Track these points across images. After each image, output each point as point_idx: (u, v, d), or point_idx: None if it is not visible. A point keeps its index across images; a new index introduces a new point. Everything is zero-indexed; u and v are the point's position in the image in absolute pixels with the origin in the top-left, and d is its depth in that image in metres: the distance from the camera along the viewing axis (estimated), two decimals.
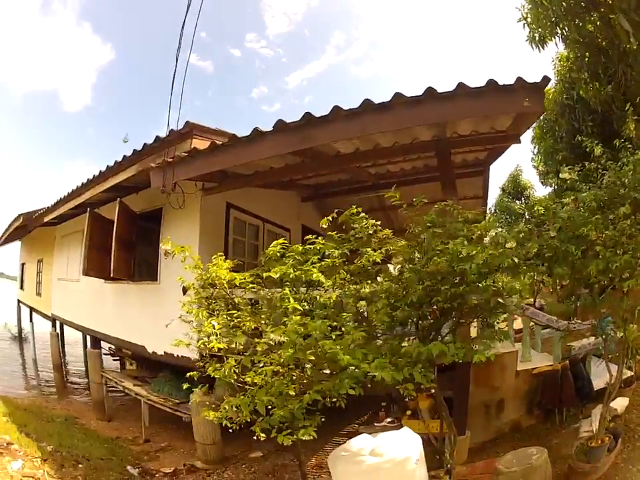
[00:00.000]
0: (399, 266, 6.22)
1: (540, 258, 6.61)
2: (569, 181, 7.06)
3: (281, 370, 5.30)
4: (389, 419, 8.57)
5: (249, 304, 6.90)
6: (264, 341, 5.53)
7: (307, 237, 6.57)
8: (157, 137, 9.39)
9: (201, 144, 8.83)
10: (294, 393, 5.22)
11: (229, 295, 6.75)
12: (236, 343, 5.91)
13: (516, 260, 5.70)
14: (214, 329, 5.89)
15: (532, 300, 16.49)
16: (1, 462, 7.20)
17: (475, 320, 6.35)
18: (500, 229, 6.50)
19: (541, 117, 19.86)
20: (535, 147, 22.50)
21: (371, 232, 6.23)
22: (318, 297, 6.35)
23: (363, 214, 6.30)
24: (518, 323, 10.55)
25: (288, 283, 6.22)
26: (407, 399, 6.83)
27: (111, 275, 10.94)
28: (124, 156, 10.19)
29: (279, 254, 6.50)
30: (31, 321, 24.46)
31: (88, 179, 12.02)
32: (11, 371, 19.45)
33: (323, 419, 5.53)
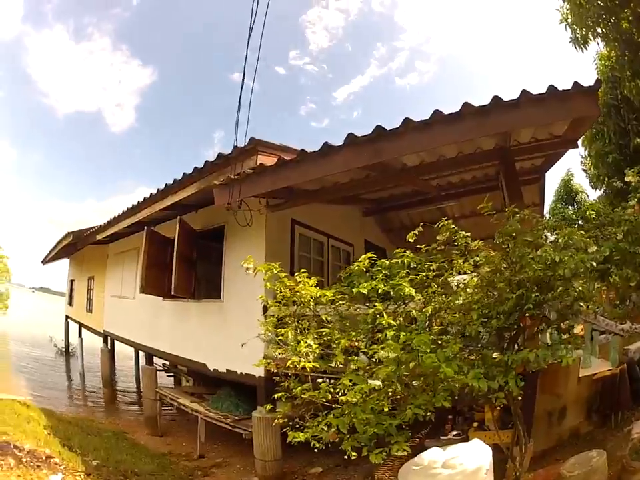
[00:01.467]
0: (481, 277, 6.08)
1: (609, 262, 6.64)
2: (633, 184, 7.06)
3: (378, 387, 5.16)
4: (454, 432, 8.43)
5: (340, 321, 6.75)
6: (359, 359, 5.57)
7: (396, 250, 6.54)
8: (219, 153, 9.41)
9: (266, 160, 8.81)
10: (387, 409, 5.23)
11: (315, 313, 6.65)
12: (336, 362, 5.84)
13: (595, 264, 5.62)
14: (310, 347, 5.81)
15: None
16: (38, 475, 7.19)
17: (552, 327, 6.23)
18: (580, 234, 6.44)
19: None
20: (585, 150, 22.00)
21: (466, 242, 6.17)
22: (413, 310, 6.23)
23: (453, 227, 6.18)
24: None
25: (375, 299, 6.13)
26: (472, 412, 6.78)
27: (172, 293, 10.98)
28: (184, 174, 10.23)
29: (364, 269, 6.44)
30: (80, 336, 24.58)
31: (145, 197, 12.12)
32: (55, 384, 19.45)
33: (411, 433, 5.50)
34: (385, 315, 5.66)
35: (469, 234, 6.18)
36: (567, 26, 14.64)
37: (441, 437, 8.36)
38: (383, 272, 6.23)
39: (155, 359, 14.68)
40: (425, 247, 6.37)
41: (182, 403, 12.14)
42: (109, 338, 18.90)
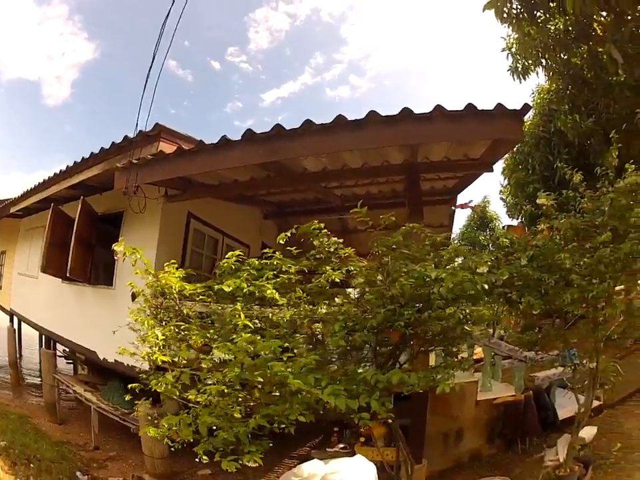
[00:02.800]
0: (359, 288, 5.91)
1: (510, 286, 6.41)
2: (544, 208, 6.85)
3: (226, 390, 4.93)
4: (341, 445, 8.31)
5: (200, 317, 6.55)
6: (209, 357, 5.17)
7: (264, 250, 6.32)
8: (125, 136, 9.07)
9: (168, 148, 8.55)
10: (239, 416, 4.90)
11: (178, 306, 6.41)
12: (179, 357, 5.59)
13: (486, 287, 5.38)
14: (157, 339, 5.55)
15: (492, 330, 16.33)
16: None
17: (436, 348, 6.16)
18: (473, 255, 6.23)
19: (514, 149, 20.02)
20: (505, 179, 22.53)
21: (331, 249, 5.88)
22: (270, 315, 5.99)
23: (325, 231, 5.92)
24: (477, 352, 10.46)
25: (240, 298, 5.84)
26: (360, 426, 6.56)
27: (68, 275, 10.60)
28: (91, 153, 9.86)
29: (233, 267, 6.13)
30: None
31: (55, 174, 11.70)
32: None
33: (271, 444, 5.12)
34: (242, 315, 5.27)
35: (340, 240, 5.92)
36: (510, 55, 14.86)
37: (327, 449, 8.26)
38: (251, 271, 5.95)
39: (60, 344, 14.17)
40: (295, 249, 6.16)
41: (77, 391, 11.72)
42: (14, 317, 18.08)
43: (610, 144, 10.87)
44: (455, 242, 28.92)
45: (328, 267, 5.81)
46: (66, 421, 12.58)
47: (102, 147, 9.60)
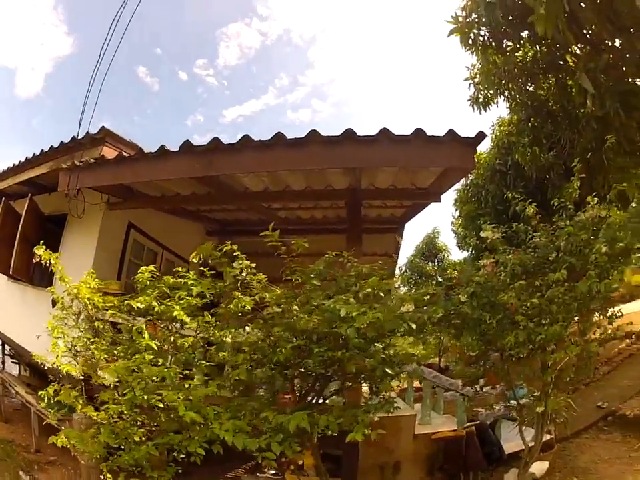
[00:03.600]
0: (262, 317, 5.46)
1: (448, 323, 6.18)
2: (489, 241, 6.53)
3: (125, 411, 4.79)
4: (272, 471, 7.93)
5: (112, 331, 6.38)
6: (105, 377, 5.13)
7: (177, 269, 5.98)
8: (72, 137, 8.80)
9: (111, 153, 8.19)
10: (138, 439, 4.71)
11: (92, 317, 6.20)
12: (78, 370, 5.59)
13: (413, 326, 5.12)
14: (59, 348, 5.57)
15: (437, 360, 16.08)
16: None
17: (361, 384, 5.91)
18: (403, 289, 5.93)
19: (468, 181, 20.05)
20: (456, 210, 22.29)
21: (238, 274, 5.45)
22: (172, 338, 5.72)
23: (238, 253, 5.58)
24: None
25: (152, 317, 5.67)
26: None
27: (10, 273, 10.39)
28: (41, 151, 9.55)
29: (148, 282, 5.86)
30: None
31: (5, 169, 11.37)
32: None
33: (179, 471, 4.93)
34: (147, 335, 5.12)
35: (252, 265, 5.54)
36: (472, 85, 14.47)
37: (258, 474, 8.11)
38: (164, 289, 5.69)
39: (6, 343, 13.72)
40: (209, 270, 5.96)
41: (18, 392, 11.32)
42: None
43: (570, 179, 10.66)
44: (402, 271, 28.92)
45: (237, 293, 5.41)
46: (11, 420, 12.11)
47: (51, 146, 9.28)
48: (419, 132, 6.03)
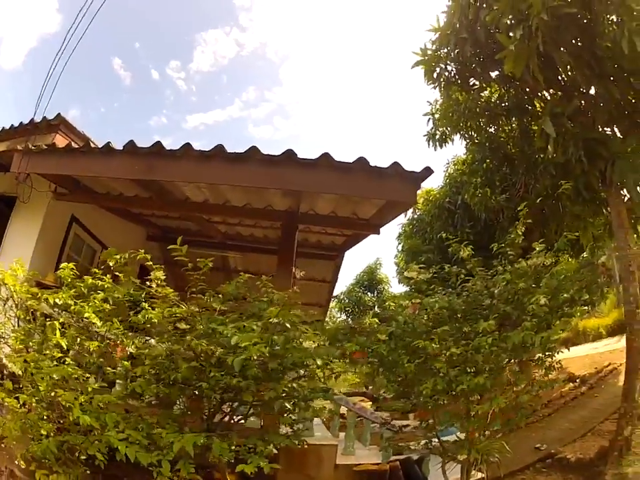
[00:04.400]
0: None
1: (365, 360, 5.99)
2: (412, 282, 6.38)
3: (34, 404, 4.70)
4: None
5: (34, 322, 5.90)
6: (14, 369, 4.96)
7: (94, 270, 5.77)
8: (31, 119, 8.59)
9: (62, 142, 8.00)
10: (45, 433, 4.55)
11: (17, 304, 5.89)
12: None
13: (319, 361, 4.98)
14: None
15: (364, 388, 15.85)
16: None
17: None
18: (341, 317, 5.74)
19: (415, 216, 20.10)
20: (399, 244, 22.17)
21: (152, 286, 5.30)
22: (79, 340, 5.42)
23: (150, 262, 5.46)
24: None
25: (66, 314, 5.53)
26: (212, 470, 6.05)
27: None
28: (2, 128, 9.17)
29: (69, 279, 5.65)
30: None
31: None
32: None
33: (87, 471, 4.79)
34: (58, 333, 4.98)
35: (162, 277, 5.36)
36: (432, 120, 14.30)
37: None
38: (82, 289, 5.50)
39: None
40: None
41: None
42: None
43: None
44: (341, 299, 28.89)
45: (145, 304, 5.29)
46: None
47: (12, 124, 9.05)
48: (361, 161, 5.91)
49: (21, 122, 8.81)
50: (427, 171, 5.95)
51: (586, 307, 7.79)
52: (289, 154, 6.00)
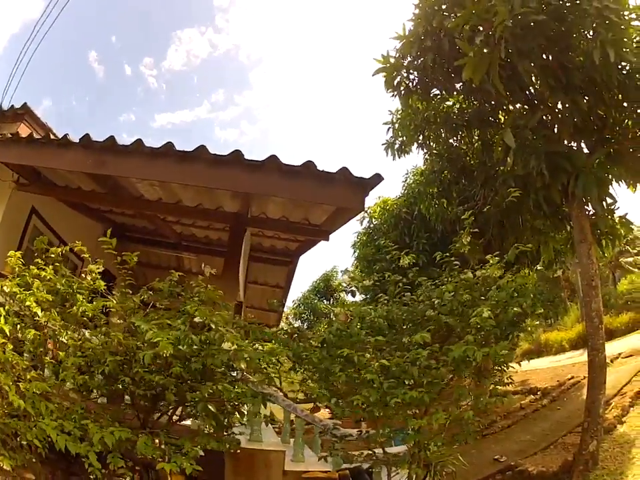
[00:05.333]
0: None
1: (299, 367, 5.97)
2: (359, 287, 6.29)
3: None
4: None
5: None
6: None
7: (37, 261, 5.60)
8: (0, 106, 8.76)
9: (26, 132, 7.99)
10: None
11: None
12: None
13: (242, 365, 4.96)
14: None
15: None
16: None
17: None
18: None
19: (371, 225, 19.97)
20: (354, 252, 21.83)
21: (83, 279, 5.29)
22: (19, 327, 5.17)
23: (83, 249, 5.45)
24: None
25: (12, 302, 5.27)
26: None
27: None
28: None
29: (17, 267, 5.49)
30: None
31: None
32: None
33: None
34: (2, 319, 4.80)
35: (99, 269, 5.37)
36: (391, 129, 14.13)
37: None
38: (27, 278, 5.31)
39: None
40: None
41: None
42: None
43: (479, 235, 10.32)
44: (295, 305, 28.81)
45: (80, 296, 5.18)
46: None
47: None
48: (309, 165, 5.83)
49: None
50: (377, 178, 5.83)
51: (541, 321, 7.71)
52: (236, 155, 5.93)
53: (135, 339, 4.69)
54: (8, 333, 4.79)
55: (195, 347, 4.54)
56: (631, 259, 30.50)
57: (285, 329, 6.22)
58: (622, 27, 8.53)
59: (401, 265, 6.91)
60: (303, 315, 28.32)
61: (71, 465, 6.65)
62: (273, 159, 5.87)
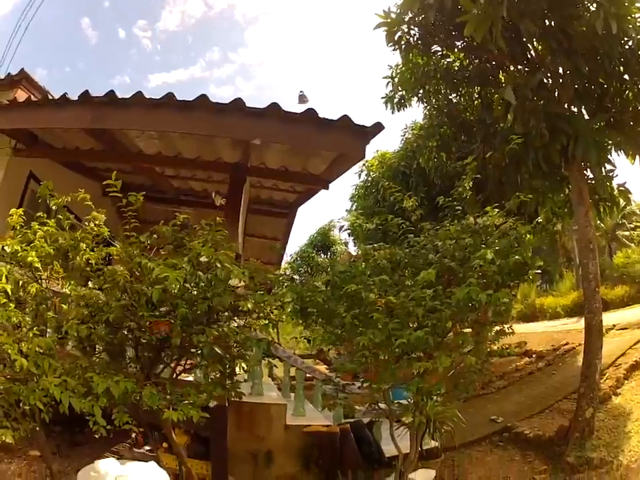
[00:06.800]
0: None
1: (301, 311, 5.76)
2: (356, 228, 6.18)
3: None
4: (147, 447, 7.37)
5: None
6: None
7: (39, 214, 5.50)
8: None
9: (23, 97, 7.84)
10: None
11: None
12: None
13: (249, 305, 4.72)
14: None
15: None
16: None
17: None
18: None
19: (368, 177, 19.77)
20: (353, 205, 21.83)
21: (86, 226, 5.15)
22: (22, 283, 5.02)
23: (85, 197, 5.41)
24: None
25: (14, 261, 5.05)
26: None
27: None
28: None
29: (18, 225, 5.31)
30: None
31: None
32: None
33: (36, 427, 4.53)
34: (3, 278, 4.64)
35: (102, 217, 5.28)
36: (391, 83, 14.05)
37: (135, 449, 7.50)
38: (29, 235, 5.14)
39: None
40: None
41: None
42: None
43: (477, 192, 10.19)
44: (293, 259, 28.92)
45: (83, 245, 4.94)
46: None
47: None
48: (310, 112, 5.78)
49: None
50: (378, 126, 5.82)
51: (537, 281, 7.63)
52: (237, 102, 5.87)
53: (139, 283, 4.52)
54: (10, 293, 4.62)
55: (202, 284, 4.40)
56: (627, 233, 30.62)
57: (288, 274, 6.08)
58: (625, 3, 8.40)
59: (404, 207, 6.79)
60: (300, 269, 28.28)
61: (74, 434, 6.52)
62: (274, 106, 5.79)
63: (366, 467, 7.67)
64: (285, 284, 5.97)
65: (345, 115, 5.74)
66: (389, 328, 4.86)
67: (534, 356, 15.29)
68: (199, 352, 4.86)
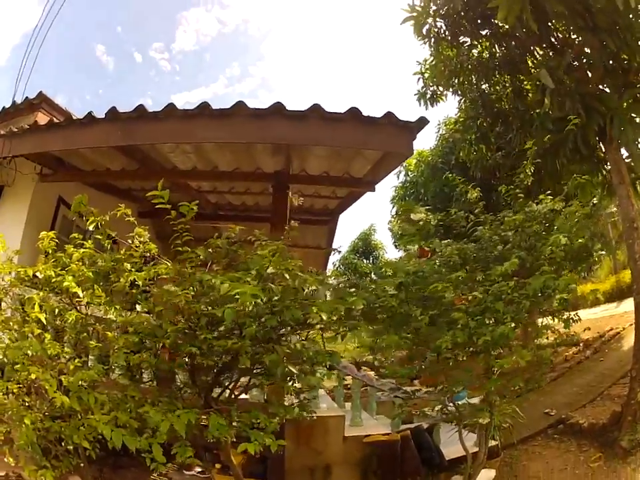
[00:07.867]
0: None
1: (372, 318, 5.34)
2: (422, 224, 5.87)
3: (15, 390, 4.07)
4: (199, 469, 7.10)
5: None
6: None
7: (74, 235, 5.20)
8: (13, 102, 8.45)
9: (44, 120, 7.51)
10: (28, 422, 3.85)
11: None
12: None
13: (324, 316, 4.21)
14: None
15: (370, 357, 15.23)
16: None
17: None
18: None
19: (407, 179, 19.68)
20: (393, 207, 21.37)
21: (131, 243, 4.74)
22: (59, 310, 4.67)
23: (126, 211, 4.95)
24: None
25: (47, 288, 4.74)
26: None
27: None
28: None
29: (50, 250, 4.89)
30: None
31: None
32: None
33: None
34: (37, 306, 4.31)
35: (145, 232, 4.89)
36: (422, 79, 13.93)
37: (185, 472, 7.18)
38: (64, 259, 4.76)
39: None
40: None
41: None
42: None
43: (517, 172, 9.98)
44: (336, 267, 28.56)
45: (127, 265, 4.57)
46: None
47: None
48: (353, 111, 5.44)
49: (3, 107, 8.64)
50: (422, 121, 5.53)
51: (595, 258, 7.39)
52: (277, 106, 5.54)
53: (197, 303, 4.07)
54: (45, 322, 4.28)
55: (275, 298, 3.98)
56: None
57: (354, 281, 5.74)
58: None
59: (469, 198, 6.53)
60: (344, 276, 28.01)
61: (118, 457, 6.16)
62: (316, 107, 5.49)
63: (426, 472, 7.49)
64: (352, 291, 5.57)
65: (389, 112, 5.44)
66: (470, 327, 4.55)
67: (581, 345, 14.84)
68: (262, 371, 4.46)
